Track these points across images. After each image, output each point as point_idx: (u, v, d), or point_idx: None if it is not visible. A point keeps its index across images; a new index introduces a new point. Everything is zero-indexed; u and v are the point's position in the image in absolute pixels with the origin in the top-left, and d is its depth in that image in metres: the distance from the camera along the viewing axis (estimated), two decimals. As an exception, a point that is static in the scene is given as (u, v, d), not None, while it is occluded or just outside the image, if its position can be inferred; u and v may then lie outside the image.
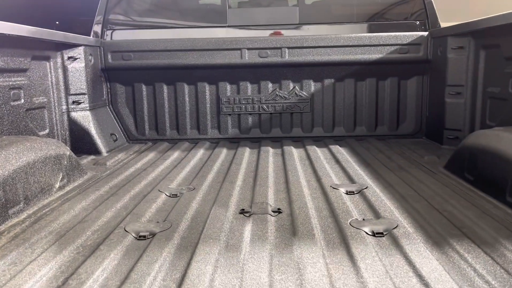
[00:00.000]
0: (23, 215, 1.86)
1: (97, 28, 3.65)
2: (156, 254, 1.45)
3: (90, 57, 3.28)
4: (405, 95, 3.55)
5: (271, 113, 3.62)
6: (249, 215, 1.80)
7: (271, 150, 3.16)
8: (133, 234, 1.63)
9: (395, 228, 1.63)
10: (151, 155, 3.09)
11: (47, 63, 2.93)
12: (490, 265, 1.33)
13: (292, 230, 1.64)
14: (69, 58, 3.10)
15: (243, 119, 3.63)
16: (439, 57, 3.24)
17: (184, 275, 1.30)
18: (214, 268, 1.34)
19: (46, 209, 1.94)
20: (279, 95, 3.58)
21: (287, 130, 3.64)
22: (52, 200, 2.08)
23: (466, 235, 1.56)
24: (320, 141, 3.45)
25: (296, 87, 3.57)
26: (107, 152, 3.22)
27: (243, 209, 1.87)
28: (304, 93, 3.57)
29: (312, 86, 3.57)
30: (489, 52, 2.81)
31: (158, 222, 1.76)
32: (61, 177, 2.24)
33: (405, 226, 1.65)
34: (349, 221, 1.71)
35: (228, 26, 3.63)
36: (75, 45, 3.13)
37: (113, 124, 3.56)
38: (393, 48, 3.41)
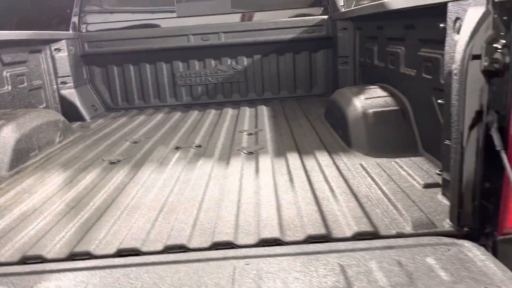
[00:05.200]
0: (38, 157, 2.97)
1: (75, 19, 4.63)
2: (120, 169, 2.58)
3: (71, 47, 4.29)
4: (316, 65, 4.65)
5: (215, 83, 4.70)
6: (180, 149, 2.94)
7: (213, 111, 4.27)
8: (107, 161, 2.76)
9: (261, 149, 2.78)
10: (123, 119, 4.18)
11: (40, 55, 3.96)
12: (298, 161, 2.48)
13: (202, 153, 2.79)
14: (55, 49, 4.12)
15: (194, 89, 4.72)
16: (334, 35, 4.33)
17: (135, 175, 2.44)
18: (152, 172, 2.48)
19: (52, 154, 3.05)
20: (220, 69, 4.66)
21: (228, 95, 4.74)
22: (55, 149, 3.18)
23: (298, 150, 2.71)
24: (253, 103, 4.56)
25: (233, 62, 4.64)
26: (90, 119, 4.30)
27: (178, 146, 3.01)
28: (239, 66, 4.65)
29: (244, 61, 4.65)
30: (359, 32, 3.92)
31: (123, 156, 2.88)
32: (59, 134, 3.34)
33: (268, 148, 2.80)
34: (237, 148, 2.86)
35: (177, 17, 4.64)
36: (59, 39, 4.14)
37: (93, 98, 4.62)
38: (303, 29, 4.48)
